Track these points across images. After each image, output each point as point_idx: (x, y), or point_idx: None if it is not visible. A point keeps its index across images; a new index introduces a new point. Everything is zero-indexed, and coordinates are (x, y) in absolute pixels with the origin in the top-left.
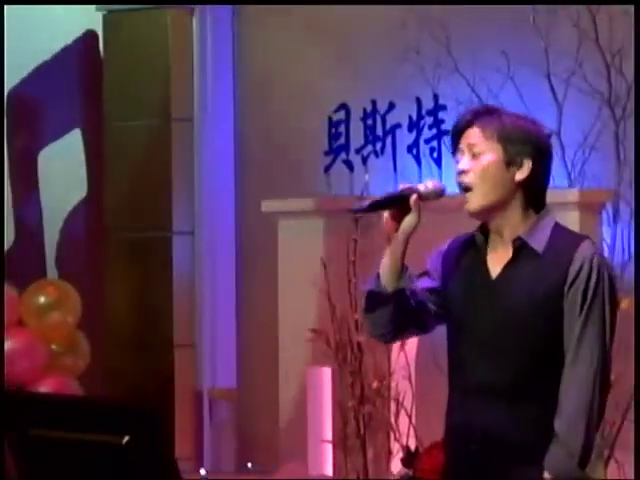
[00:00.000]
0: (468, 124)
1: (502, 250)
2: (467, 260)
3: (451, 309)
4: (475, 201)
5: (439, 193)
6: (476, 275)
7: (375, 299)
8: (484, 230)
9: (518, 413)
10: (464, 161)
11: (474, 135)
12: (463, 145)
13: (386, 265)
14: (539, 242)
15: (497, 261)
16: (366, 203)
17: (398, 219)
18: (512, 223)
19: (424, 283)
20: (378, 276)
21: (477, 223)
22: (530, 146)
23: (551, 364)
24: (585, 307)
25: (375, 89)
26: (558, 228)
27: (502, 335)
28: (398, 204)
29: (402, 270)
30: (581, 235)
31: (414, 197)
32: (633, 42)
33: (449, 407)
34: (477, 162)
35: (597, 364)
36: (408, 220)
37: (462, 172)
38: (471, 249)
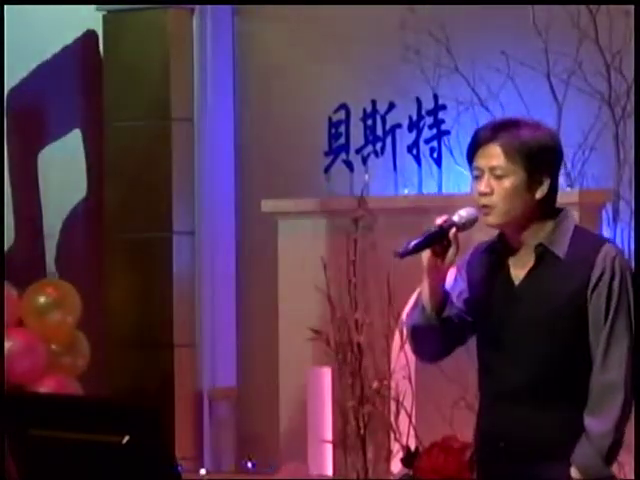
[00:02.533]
0: (487, 140)
1: (524, 256)
2: (489, 268)
3: (476, 317)
4: (496, 218)
5: (473, 221)
6: (499, 282)
7: (424, 332)
8: (503, 237)
9: (543, 414)
10: (485, 183)
11: (495, 156)
12: (483, 164)
13: (431, 296)
14: (561, 247)
15: (519, 268)
16: (410, 246)
17: (438, 253)
18: (530, 231)
19: (457, 296)
20: (422, 309)
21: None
22: (549, 162)
23: (575, 366)
24: (611, 311)
25: (375, 89)
26: (578, 231)
27: (526, 340)
28: (438, 240)
29: (446, 298)
30: (602, 238)
31: (453, 231)
32: (633, 42)
33: (479, 411)
34: (499, 184)
35: (627, 366)
36: (451, 255)
37: (484, 194)
38: (492, 256)
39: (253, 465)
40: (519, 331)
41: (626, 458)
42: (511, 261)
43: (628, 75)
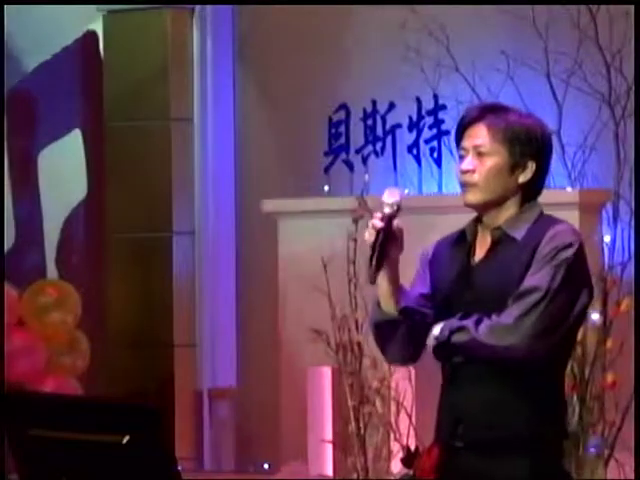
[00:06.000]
0: (474, 120)
1: (488, 239)
2: (455, 252)
3: (436, 294)
4: (476, 196)
5: (400, 201)
6: (460, 262)
7: (386, 328)
8: (472, 224)
9: (498, 397)
10: (468, 161)
11: (480, 135)
12: (468, 144)
13: (387, 290)
14: (518, 230)
15: (481, 250)
16: (373, 268)
17: (389, 250)
18: (506, 216)
19: (416, 291)
20: (377, 304)
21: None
22: (535, 148)
23: None
24: (540, 267)
25: (375, 89)
26: (542, 217)
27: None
28: (388, 242)
29: (400, 288)
30: (560, 220)
31: (395, 223)
32: (633, 42)
33: (440, 394)
34: (482, 163)
35: (535, 322)
36: (400, 242)
37: (466, 171)
38: (460, 243)
39: (253, 465)
40: (469, 308)
41: (625, 458)
42: (477, 243)
43: (628, 75)
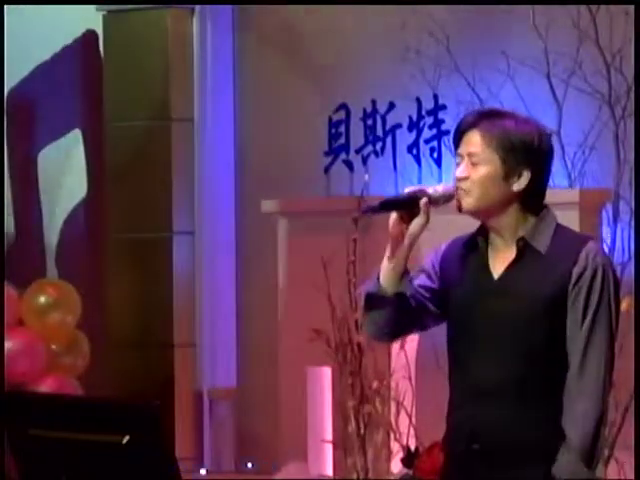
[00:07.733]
0: (470, 126)
1: (504, 251)
2: (469, 261)
3: (454, 310)
4: (469, 202)
5: (448, 198)
6: (479, 276)
7: (375, 302)
8: (483, 230)
9: (520, 412)
10: (462, 168)
11: (474, 142)
12: (463, 150)
13: (388, 268)
14: (542, 243)
15: (499, 262)
16: (377, 203)
17: (406, 221)
18: (510, 225)
19: (423, 283)
20: (378, 278)
21: (476, 223)
22: (531, 156)
23: (554, 363)
24: (590, 312)
25: (375, 89)
26: (560, 228)
27: (506, 334)
28: (408, 206)
29: (404, 273)
30: (585, 235)
31: (424, 200)
32: (633, 42)
33: (450, 407)
34: (475, 171)
35: (604, 372)
36: (417, 223)
37: (460, 179)
38: (472, 250)
39: (253, 465)
40: (498, 326)
41: (626, 458)
42: (490, 254)
43: (628, 75)
